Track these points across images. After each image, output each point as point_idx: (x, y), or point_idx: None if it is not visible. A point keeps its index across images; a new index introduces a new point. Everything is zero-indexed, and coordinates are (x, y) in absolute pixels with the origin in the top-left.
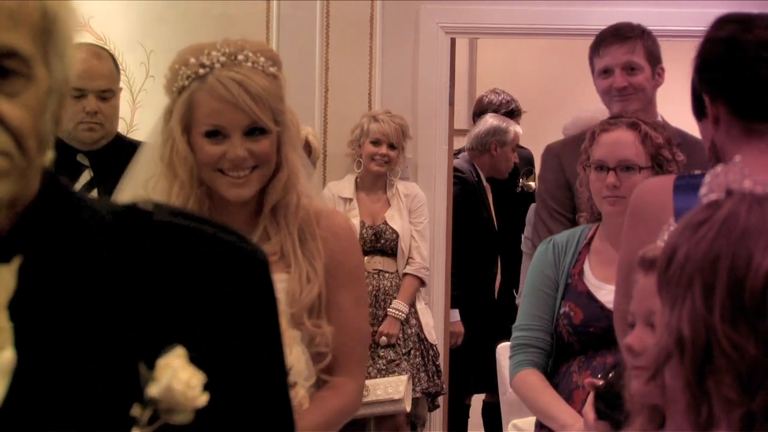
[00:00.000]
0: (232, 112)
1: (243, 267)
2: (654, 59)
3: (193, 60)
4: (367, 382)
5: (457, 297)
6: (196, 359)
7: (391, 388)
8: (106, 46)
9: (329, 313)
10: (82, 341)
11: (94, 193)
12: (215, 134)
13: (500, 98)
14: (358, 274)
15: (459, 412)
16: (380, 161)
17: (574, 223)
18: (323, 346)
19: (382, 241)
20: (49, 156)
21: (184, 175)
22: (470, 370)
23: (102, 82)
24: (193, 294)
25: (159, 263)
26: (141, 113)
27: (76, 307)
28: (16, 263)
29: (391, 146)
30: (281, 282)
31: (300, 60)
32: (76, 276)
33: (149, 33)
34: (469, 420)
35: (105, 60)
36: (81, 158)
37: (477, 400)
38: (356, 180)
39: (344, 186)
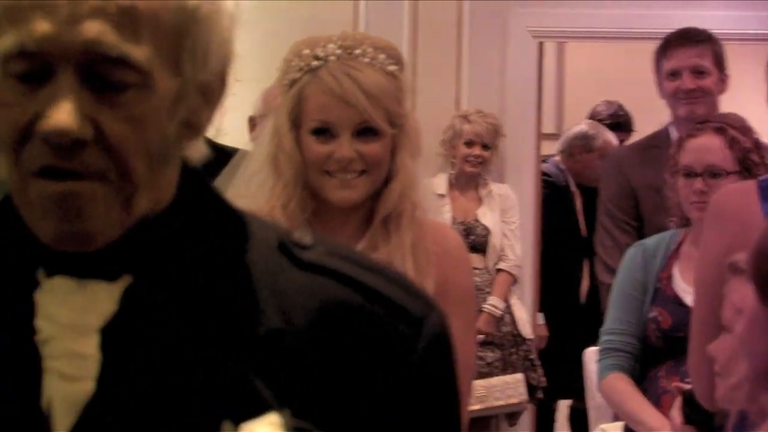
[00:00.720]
0: (341, 108)
1: (402, 339)
2: (721, 64)
3: (306, 51)
4: (482, 382)
5: (543, 301)
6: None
7: (511, 390)
8: None
9: None
10: (172, 388)
11: None
12: (323, 132)
13: (609, 109)
14: (468, 297)
15: (545, 416)
16: (474, 162)
17: (639, 231)
18: None
19: (473, 237)
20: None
21: (289, 175)
22: (556, 374)
23: None
24: (324, 359)
25: (291, 312)
26: (229, 118)
27: (176, 347)
28: (121, 284)
29: (485, 146)
30: None
31: None
32: (187, 309)
33: (236, 36)
34: (555, 425)
35: None
36: None
37: (563, 405)
38: (450, 179)
39: (438, 184)
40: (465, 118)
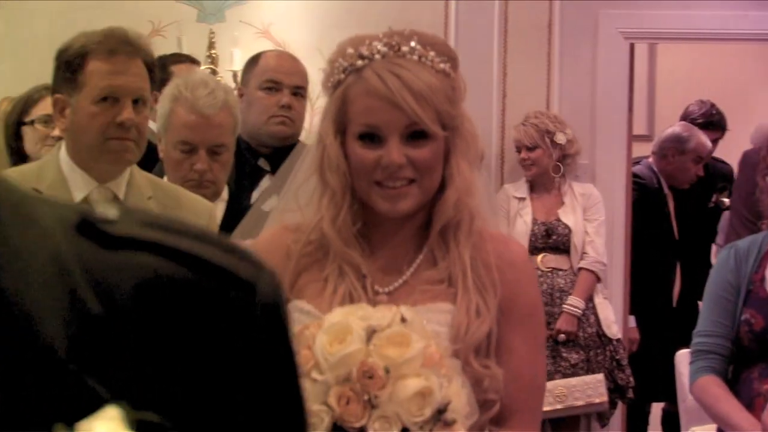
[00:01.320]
0: (388, 110)
1: (234, 309)
2: None
3: (351, 50)
4: (561, 382)
5: (634, 303)
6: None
7: (591, 390)
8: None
9: (500, 355)
10: None
11: (274, 200)
12: (370, 137)
13: (701, 108)
14: (535, 312)
15: (638, 418)
16: (526, 165)
17: None
18: (492, 392)
19: (554, 237)
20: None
21: (336, 185)
22: (648, 376)
23: (297, 79)
24: (154, 341)
25: (109, 296)
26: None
27: None
28: None
29: (529, 148)
30: (445, 313)
31: (478, 64)
32: None
33: (327, 39)
34: (648, 427)
35: (299, 61)
36: (263, 163)
37: (656, 408)
38: (529, 181)
39: (519, 187)
40: (514, 128)
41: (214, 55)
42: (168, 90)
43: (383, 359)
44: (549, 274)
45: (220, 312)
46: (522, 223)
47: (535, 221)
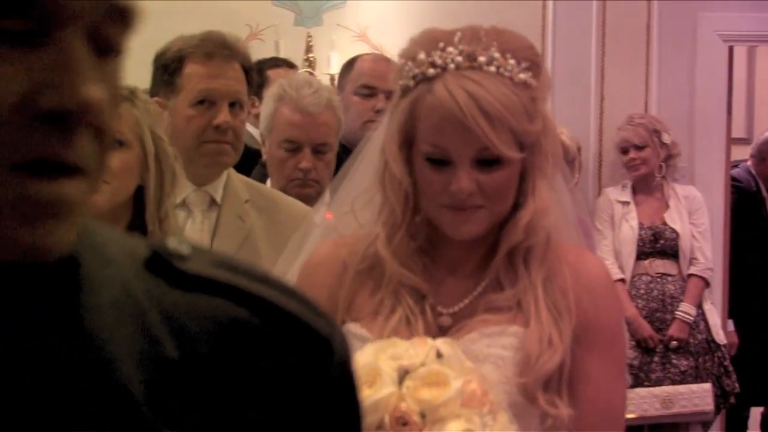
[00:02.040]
0: (458, 133)
1: (312, 363)
2: None
3: (422, 56)
4: (669, 389)
5: (732, 307)
6: None
7: (698, 399)
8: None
9: (575, 385)
10: None
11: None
12: (438, 160)
13: None
14: (616, 340)
15: (737, 422)
16: (634, 166)
17: None
18: (559, 431)
19: (662, 242)
20: None
21: (396, 201)
22: (747, 380)
23: (392, 83)
24: (230, 391)
25: (184, 338)
26: None
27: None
28: None
29: (638, 148)
30: (512, 336)
31: (575, 68)
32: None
33: None
34: None
35: (394, 65)
36: None
37: (754, 413)
38: (633, 185)
39: (621, 190)
40: (618, 129)
41: (311, 59)
42: (272, 90)
43: (418, 403)
44: (658, 279)
45: (297, 366)
46: (628, 228)
47: (641, 226)
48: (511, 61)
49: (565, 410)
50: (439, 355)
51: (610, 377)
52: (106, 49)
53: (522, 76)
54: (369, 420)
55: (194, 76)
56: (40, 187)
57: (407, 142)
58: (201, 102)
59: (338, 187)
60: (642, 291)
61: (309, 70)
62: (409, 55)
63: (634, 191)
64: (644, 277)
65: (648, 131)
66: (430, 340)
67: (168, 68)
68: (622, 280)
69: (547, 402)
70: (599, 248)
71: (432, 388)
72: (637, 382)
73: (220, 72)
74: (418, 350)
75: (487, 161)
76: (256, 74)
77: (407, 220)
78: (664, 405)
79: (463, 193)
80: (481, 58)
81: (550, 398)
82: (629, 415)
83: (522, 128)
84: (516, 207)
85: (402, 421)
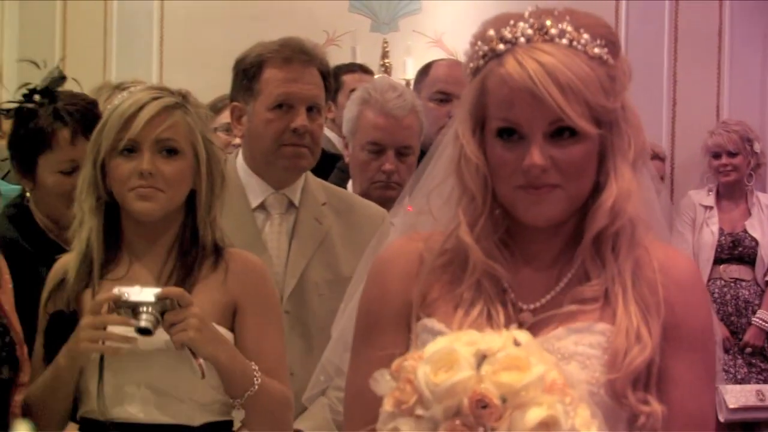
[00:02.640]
0: (530, 104)
1: None
2: None
3: (491, 32)
4: (756, 386)
5: None
6: None
7: None
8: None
9: (663, 387)
10: None
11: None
12: (509, 134)
13: None
14: (707, 341)
15: None
16: (725, 171)
17: None
18: (650, 431)
19: (740, 249)
20: None
21: (475, 188)
22: None
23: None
24: None
25: None
26: None
27: None
28: None
29: (731, 154)
30: (599, 334)
31: (648, 73)
32: None
33: None
34: None
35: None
36: None
37: None
38: (717, 189)
39: (706, 195)
40: (711, 133)
41: (387, 64)
42: (356, 94)
43: (498, 386)
44: (732, 284)
45: None
46: (709, 233)
47: (722, 231)
48: (585, 35)
49: (658, 407)
50: (516, 343)
51: (701, 381)
52: None
53: (597, 51)
54: (447, 405)
55: (273, 80)
56: None
57: (479, 123)
58: (279, 106)
59: (414, 188)
60: (716, 295)
61: (384, 75)
62: (478, 35)
63: (718, 196)
64: (718, 282)
65: (741, 138)
66: (505, 331)
67: (247, 73)
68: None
69: (638, 399)
70: (678, 247)
71: (514, 371)
72: (727, 381)
73: (298, 77)
74: (495, 337)
75: (563, 136)
76: (333, 79)
77: (488, 207)
78: (758, 398)
79: (537, 167)
80: (553, 31)
81: (641, 396)
82: (731, 405)
83: (598, 102)
84: (597, 192)
85: (482, 404)
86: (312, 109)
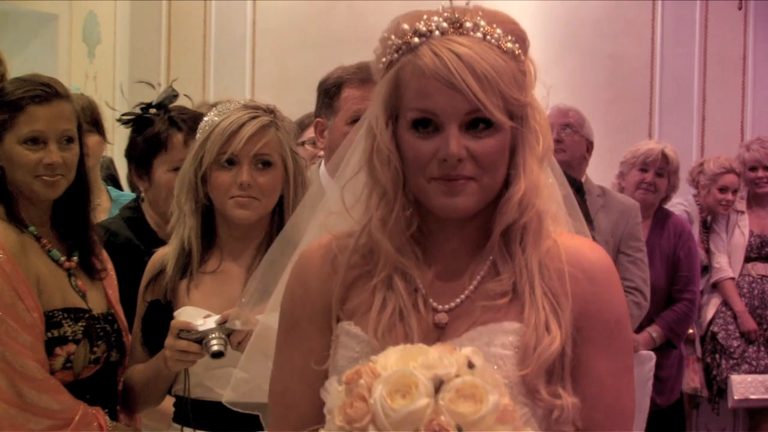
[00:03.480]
0: (446, 94)
1: None
2: None
3: (405, 26)
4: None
5: None
6: None
7: None
8: None
9: (578, 379)
10: None
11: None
12: (424, 124)
13: None
14: (619, 329)
15: None
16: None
17: None
18: (566, 424)
19: (767, 249)
20: None
21: (387, 181)
22: None
23: None
24: None
25: None
26: None
27: None
28: None
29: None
30: (511, 334)
31: (680, 93)
32: None
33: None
34: None
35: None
36: None
37: None
38: (748, 196)
39: (738, 200)
40: (747, 147)
41: None
42: None
43: (455, 416)
44: (759, 280)
45: None
46: (740, 234)
47: (752, 233)
48: (498, 30)
49: (570, 399)
50: (470, 365)
51: (617, 370)
52: None
53: (510, 45)
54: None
55: (350, 98)
56: None
57: (393, 116)
58: (356, 120)
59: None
60: (745, 290)
61: None
62: (391, 30)
63: (749, 201)
64: (747, 278)
65: None
66: (456, 349)
67: (329, 92)
68: (732, 279)
69: (550, 393)
70: (715, 246)
71: (469, 401)
72: (749, 370)
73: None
74: (450, 359)
75: (477, 127)
76: None
77: (400, 201)
78: (766, 387)
79: (453, 156)
80: (468, 24)
81: (552, 389)
82: (735, 396)
83: (512, 95)
84: (507, 185)
85: None
86: None
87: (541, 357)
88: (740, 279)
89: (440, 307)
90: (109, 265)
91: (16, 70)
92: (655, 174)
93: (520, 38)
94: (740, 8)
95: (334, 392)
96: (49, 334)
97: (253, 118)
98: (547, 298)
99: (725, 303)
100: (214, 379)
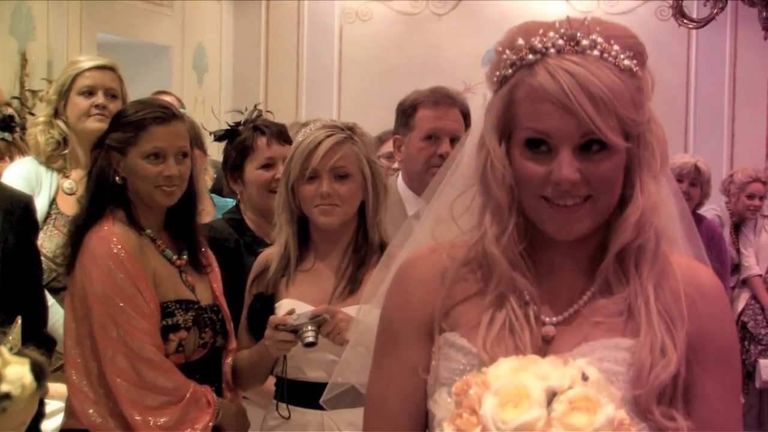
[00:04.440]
0: (561, 116)
1: None
2: None
3: (521, 41)
4: None
5: None
6: None
7: None
8: None
9: (689, 400)
10: None
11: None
12: (537, 144)
13: None
14: (731, 355)
15: None
16: None
17: None
18: None
19: None
20: None
21: (501, 198)
22: None
23: None
24: None
25: None
26: None
27: None
28: None
29: None
30: (623, 350)
31: (712, 111)
32: None
33: None
34: None
35: None
36: None
37: None
38: None
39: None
40: None
41: None
42: None
43: (568, 429)
44: None
45: None
46: (766, 236)
47: None
48: (616, 47)
49: (684, 423)
50: (584, 377)
51: (727, 396)
52: None
53: (627, 63)
54: None
55: (425, 118)
56: None
57: (506, 133)
58: (429, 137)
59: (432, 197)
60: None
61: None
62: (506, 43)
63: None
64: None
65: None
66: (572, 361)
67: (405, 112)
68: (760, 275)
69: (663, 415)
70: (744, 246)
71: (583, 413)
72: None
73: (444, 115)
74: (563, 371)
75: (591, 149)
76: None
77: (514, 218)
78: None
79: (566, 182)
80: (584, 42)
81: (666, 411)
82: (763, 377)
83: (628, 116)
84: (622, 205)
85: None
86: (454, 140)
87: (657, 379)
88: (767, 276)
89: (548, 319)
90: (214, 262)
91: (135, 94)
92: (689, 184)
93: (638, 52)
94: (765, 38)
95: (443, 404)
96: (164, 323)
97: (329, 136)
98: (662, 318)
99: (754, 297)
100: (308, 363)
